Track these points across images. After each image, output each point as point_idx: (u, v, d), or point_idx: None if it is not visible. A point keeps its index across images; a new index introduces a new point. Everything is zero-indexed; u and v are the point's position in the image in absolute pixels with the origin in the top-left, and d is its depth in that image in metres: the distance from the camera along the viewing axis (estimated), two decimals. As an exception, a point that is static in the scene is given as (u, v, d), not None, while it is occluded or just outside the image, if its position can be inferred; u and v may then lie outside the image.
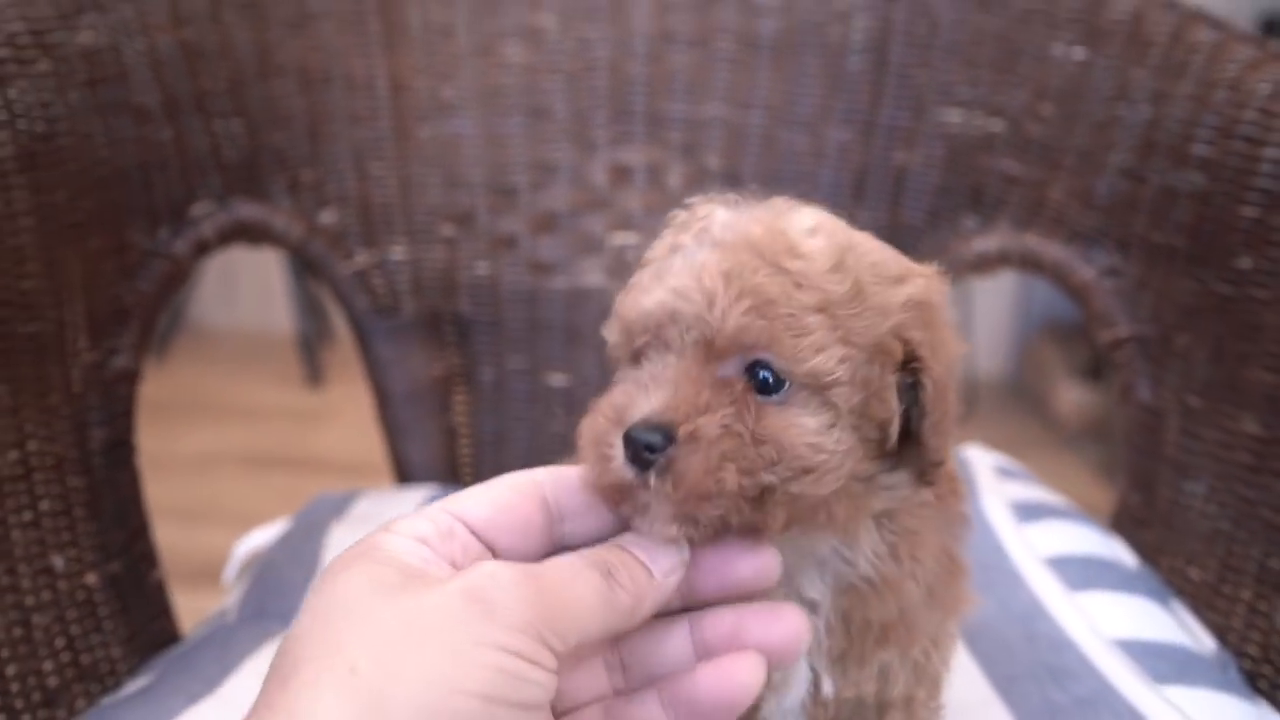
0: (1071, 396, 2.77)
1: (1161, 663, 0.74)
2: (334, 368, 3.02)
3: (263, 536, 1.02)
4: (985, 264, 1.02)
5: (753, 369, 0.46)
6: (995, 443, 1.11)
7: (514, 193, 1.09)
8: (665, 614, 0.48)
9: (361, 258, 1.06)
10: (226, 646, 0.80)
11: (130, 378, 0.87)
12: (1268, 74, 0.83)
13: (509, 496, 0.47)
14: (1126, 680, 0.72)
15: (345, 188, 1.05)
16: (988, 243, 1.02)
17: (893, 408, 0.48)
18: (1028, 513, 0.92)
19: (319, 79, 1.02)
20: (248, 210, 0.98)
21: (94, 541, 0.82)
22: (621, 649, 0.48)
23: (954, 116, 1.03)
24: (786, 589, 0.51)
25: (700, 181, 1.10)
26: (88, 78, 0.83)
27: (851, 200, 1.08)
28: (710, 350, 0.46)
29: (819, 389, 0.46)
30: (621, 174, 1.10)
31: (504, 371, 1.12)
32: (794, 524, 0.47)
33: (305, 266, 1.05)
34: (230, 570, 1.00)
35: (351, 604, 0.41)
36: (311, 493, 1.08)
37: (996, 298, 3.10)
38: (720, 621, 0.47)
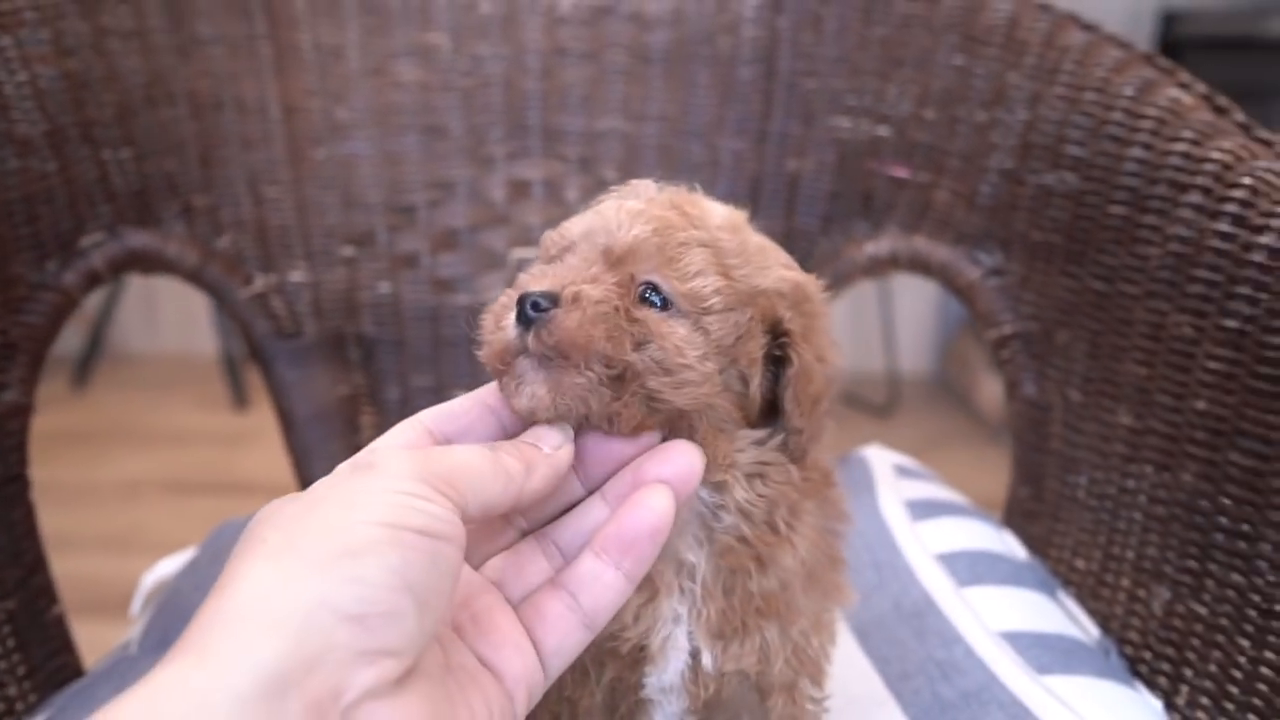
0: (994, 391, 2.82)
1: (1046, 653, 0.76)
2: (259, 389, 2.99)
3: (169, 566, 1.01)
4: (877, 267, 1.04)
5: (644, 290, 0.51)
6: (921, 438, 1.13)
7: (413, 211, 1.10)
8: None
9: (260, 282, 1.06)
10: (125, 680, 0.79)
11: (21, 412, 0.87)
12: (1133, 75, 0.85)
13: (395, 438, 0.51)
14: (1011, 672, 0.74)
15: (240, 212, 1.04)
16: (879, 246, 1.04)
17: (755, 361, 0.53)
18: (922, 510, 0.94)
19: (210, 104, 1.02)
20: (139, 239, 0.97)
21: (-14, 580, 0.81)
22: (553, 535, 0.53)
23: (843, 123, 1.05)
24: (663, 555, 0.53)
25: (598, 194, 1.10)
26: (-35, 111, 0.82)
27: (748, 209, 1.09)
28: (610, 257, 0.51)
29: (695, 315, 0.51)
30: (520, 189, 1.11)
31: (410, 390, 1.13)
32: (652, 428, 0.51)
33: (204, 292, 1.04)
34: (136, 601, 0.99)
35: (272, 508, 0.44)
36: (239, 516, 1.08)
37: (919, 295, 3.14)
38: (621, 479, 0.52)
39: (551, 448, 0.50)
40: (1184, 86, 0.83)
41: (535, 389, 0.49)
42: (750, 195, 1.09)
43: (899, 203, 1.03)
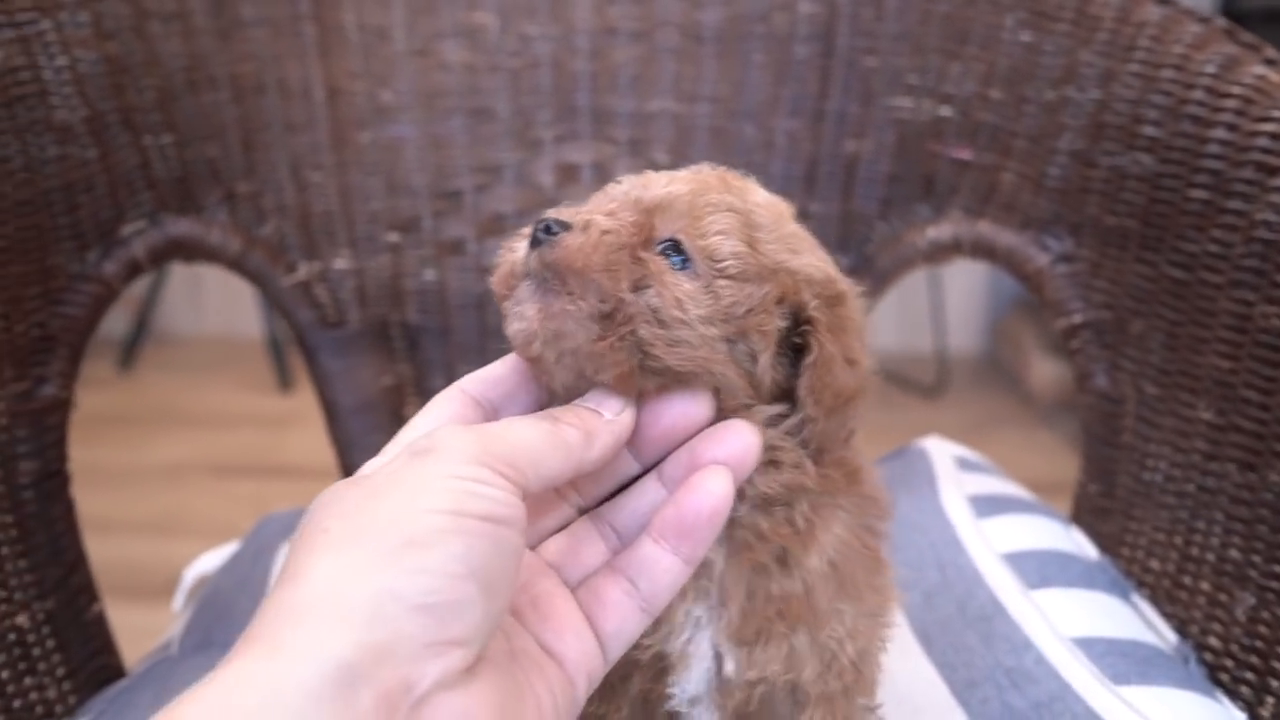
0: (1045, 371, 2.76)
1: (1121, 661, 0.73)
2: (304, 371, 2.99)
3: (211, 560, 1.00)
4: (939, 253, 1.00)
5: (665, 246, 0.50)
6: (970, 419, 1.10)
7: (459, 196, 1.07)
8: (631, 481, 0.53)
9: (303, 269, 1.04)
10: (166, 683, 0.78)
11: (60, 406, 0.85)
12: (1214, 51, 0.81)
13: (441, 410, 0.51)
14: (1085, 681, 0.70)
15: (283, 198, 1.02)
16: (941, 231, 1.00)
17: (767, 337, 0.50)
18: (987, 506, 0.91)
19: (252, 88, 1.00)
20: (181, 227, 0.95)
21: (25, 580, 0.79)
22: (609, 517, 0.52)
23: (904, 103, 1.01)
24: None
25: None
26: (4, 97, 0.80)
27: (803, 191, 1.06)
28: (639, 207, 0.50)
29: (710, 276, 0.49)
30: (568, 173, 1.08)
31: (456, 379, 1.10)
32: (641, 389, 0.50)
33: (247, 280, 1.02)
34: (178, 597, 0.97)
35: (332, 494, 0.44)
36: (283, 500, 1.06)
37: (968, 274, 3.08)
38: (677, 459, 0.50)
39: (613, 413, 0.49)
40: (1271, 63, 0.79)
41: (525, 309, 0.48)
42: (806, 177, 1.06)
43: (962, 186, 0.99)
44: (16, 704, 0.77)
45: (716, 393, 0.50)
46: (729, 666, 0.53)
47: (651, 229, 0.50)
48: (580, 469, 0.48)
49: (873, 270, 1.04)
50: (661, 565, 0.48)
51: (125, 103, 0.90)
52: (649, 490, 0.51)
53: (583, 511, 0.53)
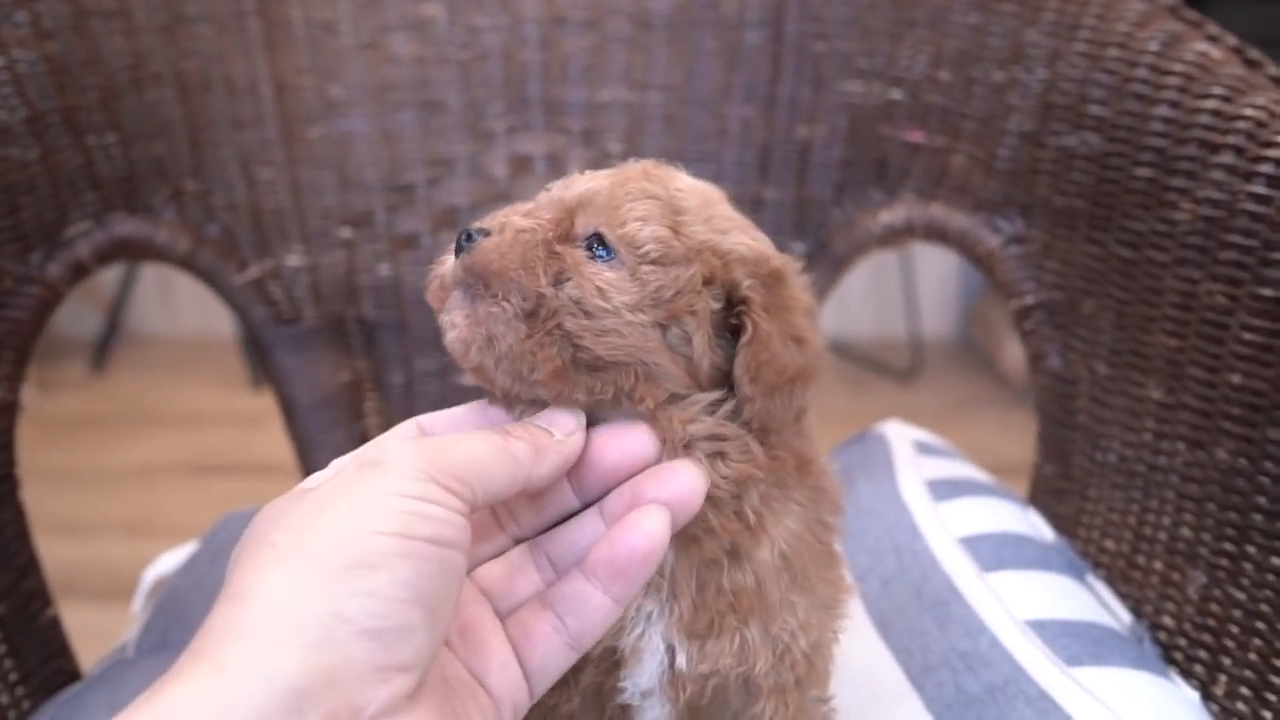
0: (1018, 353, 2.75)
1: (1075, 642, 0.73)
2: (277, 368, 2.98)
3: (171, 561, 0.99)
4: (892, 237, 1.00)
5: (590, 241, 0.50)
6: (945, 402, 1.09)
7: (411, 190, 1.06)
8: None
9: (255, 267, 1.03)
10: (120, 684, 0.77)
11: (6, 410, 0.84)
12: (1157, 29, 0.81)
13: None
14: (1039, 664, 0.70)
15: (233, 196, 1.01)
16: (894, 215, 1.00)
17: (698, 317, 0.50)
18: (945, 490, 0.91)
19: (198, 85, 0.99)
20: (128, 227, 0.94)
21: (-26, 585, 0.78)
22: (546, 547, 0.51)
23: (854, 87, 1.01)
24: None
25: (602, 167, 1.07)
26: (-62, 100, 0.79)
27: (758, 178, 1.06)
28: (561, 208, 0.50)
29: (634, 264, 0.49)
30: (521, 164, 1.07)
31: (414, 374, 1.10)
32: (578, 385, 0.49)
33: (198, 279, 1.01)
34: (137, 598, 0.97)
35: (278, 507, 0.43)
36: (258, 499, 1.05)
37: (941, 259, 3.09)
38: (620, 495, 0.50)
39: (564, 433, 0.49)
40: (1213, 40, 0.79)
41: (454, 317, 0.49)
42: (760, 164, 1.05)
43: (914, 169, 0.99)
44: (-36, 711, 0.76)
45: (639, 381, 0.50)
46: (680, 660, 0.52)
47: (572, 225, 0.50)
48: (527, 485, 0.47)
49: (829, 255, 1.04)
50: (592, 604, 0.48)
51: (67, 102, 0.89)
52: (588, 524, 0.51)
53: (519, 541, 0.52)
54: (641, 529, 0.47)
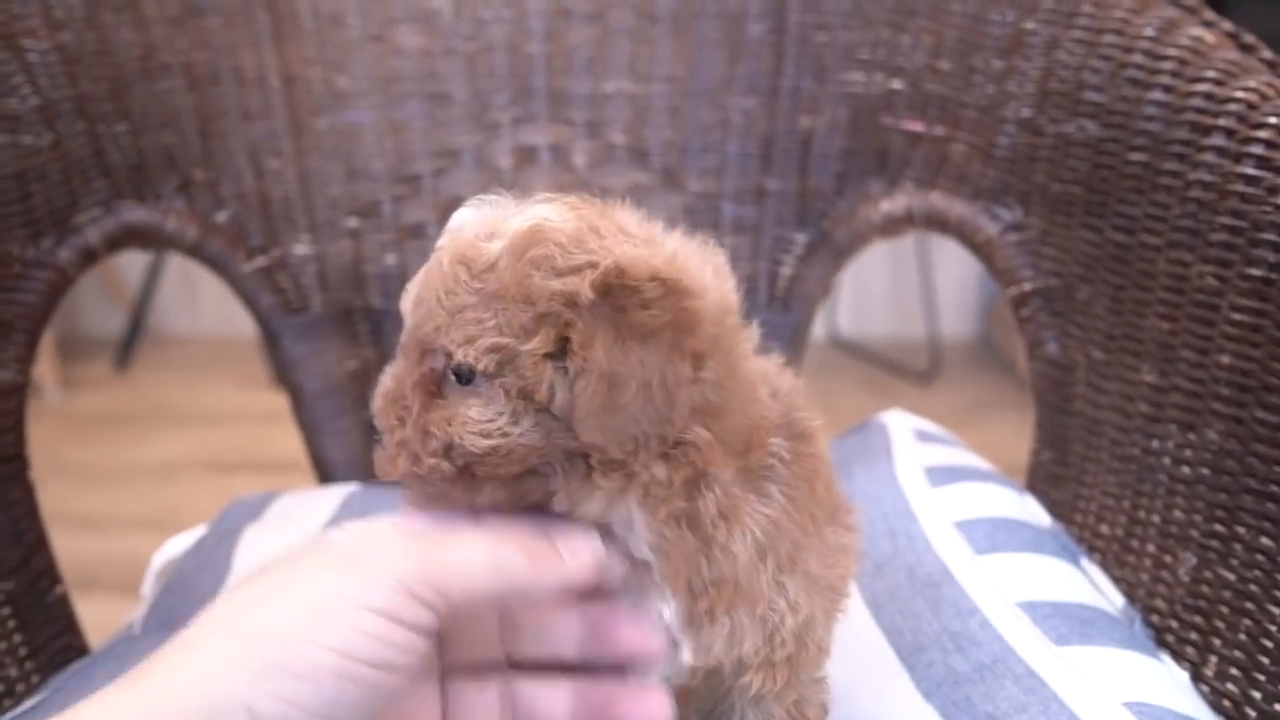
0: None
1: (1064, 623, 0.73)
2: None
3: (179, 545, 1.00)
4: (893, 226, 1.01)
5: (451, 369, 0.48)
6: (964, 404, 1.09)
7: (418, 180, 1.08)
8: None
9: (263, 256, 1.04)
10: (125, 660, 0.78)
11: (16, 391, 0.86)
12: (1153, 15, 0.81)
13: None
14: (1028, 643, 0.71)
15: (242, 185, 1.03)
16: (894, 204, 1.00)
17: (548, 392, 0.47)
18: (942, 476, 0.91)
19: (207, 76, 1.00)
20: (137, 214, 0.96)
21: (-17, 562, 0.80)
22: (516, 687, 0.52)
23: (855, 78, 1.02)
24: (619, 548, 0.51)
25: (606, 159, 1.08)
26: (-49, 87, 0.81)
27: (760, 169, 1.07)
28: (412, 351, 0.50)
29: (491, 377, 0.47)
30: (526, 155, 1.08)
31: (420, 363, 1.11)
32: (513, 498, 0.50)
33: (206, 267, 1.03)
34: (146, 581, 0.98)
35: (246, 580, 0.45)
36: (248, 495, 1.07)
37: (960, 259, 3.08)
38: (599, 690, 0.51)
39: (568, 553, 0.48)
40: (1208, 25, 0.79)
41: (413, 505, 0.52)
42: (762, 155, 1.06)
43: (914, 158, 0.99)
44: (-25, 682, 0.78)
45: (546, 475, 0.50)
46: (685, 653, 0.53)
47: (429, 370, 0.49)
48: (521, 593, 0.47)
49: (831, 245, 1.05)
50: None
51: (78, 91, 0.91)
52: (560, 692, 0.52)
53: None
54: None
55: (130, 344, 3.11)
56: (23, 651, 0.82)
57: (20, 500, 0.85)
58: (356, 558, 0.44)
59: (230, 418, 2.82)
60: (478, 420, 0.48)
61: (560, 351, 0.47)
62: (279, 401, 3.04)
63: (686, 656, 0.53)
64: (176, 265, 3.14)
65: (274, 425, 2.78)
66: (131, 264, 3.11)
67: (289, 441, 2.72)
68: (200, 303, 3.30)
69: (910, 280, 3.06)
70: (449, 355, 0.48)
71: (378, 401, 0.51)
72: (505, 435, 0.48)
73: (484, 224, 0.50)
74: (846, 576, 0.59)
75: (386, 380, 0.51)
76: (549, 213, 0.49)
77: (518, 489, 0.50)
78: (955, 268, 3.11)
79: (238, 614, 0.42)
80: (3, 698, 0.80)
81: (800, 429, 0.56)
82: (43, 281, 0.88)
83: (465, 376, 0.48)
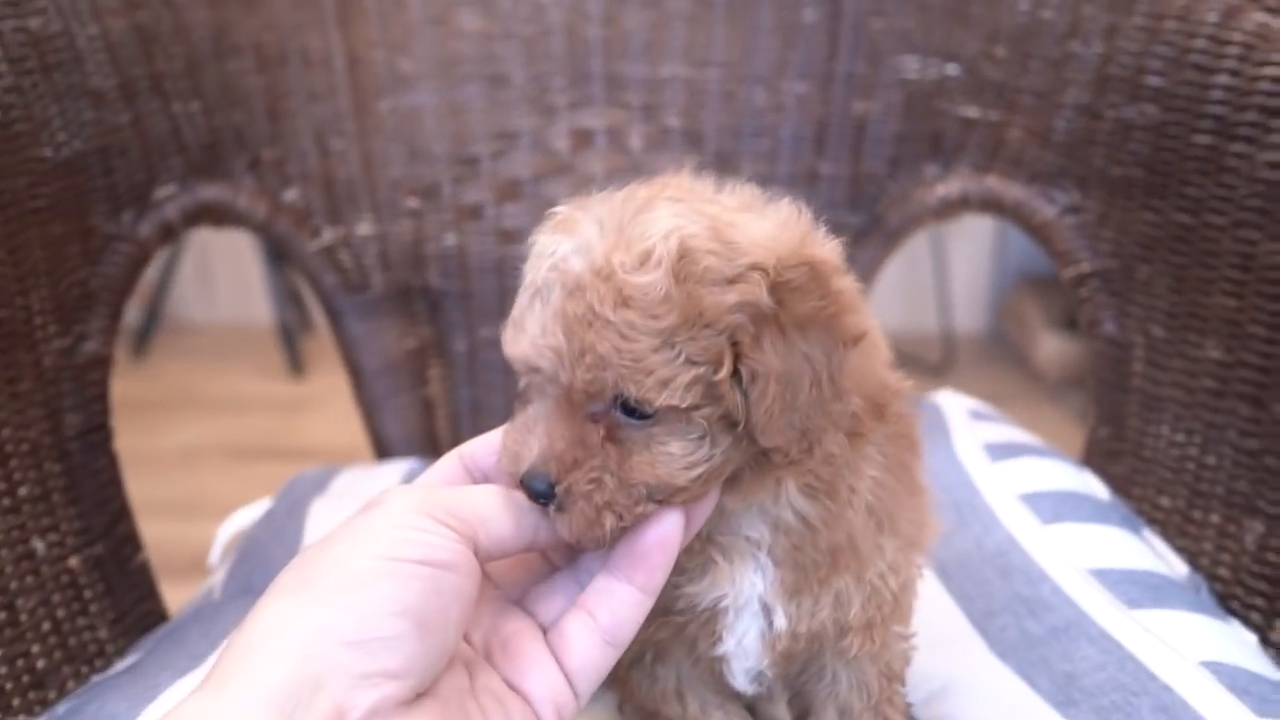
0: (1051, 347, 2.78)
1: (1135, 588, 0.75)
2: (315, 356, 3.01)
3: (246, 517, 1.02)
4: (948, 209, 1.03)
5: (617, 402, 0.48)
6: (977, 396, 1.11)
7: (477, 162, 1.09)
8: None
9: (327, 235, 1.06)
10: (213, 622, 0.81)
11: (102, 362, 0.88)
12: (1214, 2, 0.83)
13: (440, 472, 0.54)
14: (1100, 607, 0.73)
15: (307, 165, 1.05)
16: (949, 188, 1.02)
17: (741, 409, 0.48)
18: (1001, 452, 0.93)
19: (275, 57, 1.02)
20: (210, 191, 0.98)
21: (75, 526, 0.82)
22: (585, 563, 0.54)
23: (910, 63, 1.04)
24: (729, 531, 0.53)
25: (661, 142, 1.10)
26: (41, 63, 0.82)
27: (814, 153, 1.09)
28: (572, 398, 0.48)
29: (687, 410, 0.47)
30: (583, 138, 1.10)
31: (477, 341, 1.13)
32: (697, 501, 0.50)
33: (274, 247, 1.05)
34: (215, 552, 1.00)
35: (295, 560, 0.48)
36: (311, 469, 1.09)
37: (973, 251, 3.11)
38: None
39: None
40: (1271, 11, 0.81)
41: (564, 529, 0.50)
42: (816, 139, 1.08)
43: (970, 143, 1.01)
44: (71, 642, 0.80)
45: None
46: (779, 620, 0.55)
47: (580, 409, 0.49)
48: (539, 535, 0.50)
49: (883, 228, 1.07)
50: (618, 596, 0.51)
51: (155, 70, 0.93)
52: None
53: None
54: (656, 519, 0.49)
55: (148, 333, 3.11)
56: (110, 615, 0.84)
57: (105, 468, 0.87)
58: (377, 504, 0.48)
59: (249, 405, 2.84)
60: (682, 455, 0.48)
61: (735, 363, 0.47)
62: (297, 389, 3.05)
63: (780, 623, 0.55)
64: (193, 255, 3.15)
65: (293, 413, 2.81)
66: (148, 252, 3.12)
67: (308, 429, 2.74)
68: (216, 292, 3.32)
69: (923, 274, 3.08)
70: (620, 398, 0.47)
71: (550, 468, 0.48)
72: (709, 460, 0.48)
73: (601, 252, 0.47)
74: (931, 539, 0.60)
75: (543, 444, 0.48)
76: (677, 222, 0.47)
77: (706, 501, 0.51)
78: (968, 261, 3.13)
79: (284, 582, 0.46)
80: (94, 658, 0.82)
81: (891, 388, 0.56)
82: (124, 255, 0.90)
83: (641, 412, 0.47)
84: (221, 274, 3.28)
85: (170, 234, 0.94)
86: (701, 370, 0.46)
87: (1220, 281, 0.80)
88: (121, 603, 0.85)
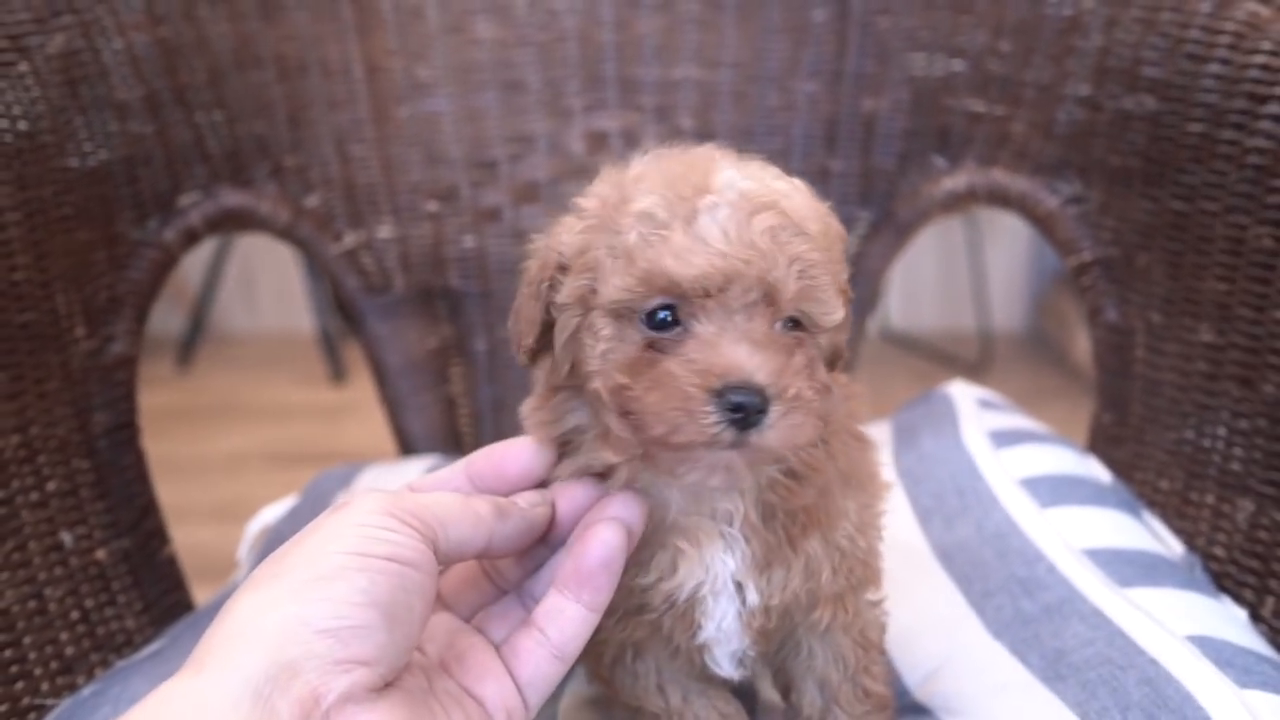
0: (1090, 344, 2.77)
1: (1128, 567, 0.76)
2: (357, 363, 3.07)
3: (273, 513, 1.05)
4: (955, 202, 1.04)
5: (787, 322, 0.51)
6: (1015, 395, 1.12)
7: (494, 166, 1.12)
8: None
9: (349, 238, 1.09)
10: (234, 611, 0.84)
11: (128, 363, 0.91)
12: (1208, -8, 0.84)
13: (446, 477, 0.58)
14: (1093, 585, 0.74)
15: (329, 171, 1.08)
16: (956, 181, 1.04)
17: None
18: (1005, 439, 0.95)
19: (296, 67, 1.06)
20: (234, 198, 1.01)
21: (103, 520, 0.86)
22: (530, 589, 0.58)
23: (917, 60, 1.05)
24: (693, 510, 0.55)
25: (675, 143, 1.12)
26: (67, 77, 0.86)
27: (824, 151, 1.10)
28: (768, 309, 0.50)
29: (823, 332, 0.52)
30: (598, 140, 1.13)
31: (497, 340, 1.16)
32: None
33: (297, 249, 1.08)
34: (243, 547, 1.03)
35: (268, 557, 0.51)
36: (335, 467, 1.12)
37: (1010, 250, 3.10)
38: (580, 525, 0.56)
39: (528, 504, 0.56)
40: (1263, 0, 0.82)
41: (709, 478, 0.51)
42: (827, 137, 1.10)
43: (976, 137, 1.03)
44: (100, 631, 0.83)
45: None
46: (751, 595, 0.56)
47: (773, 316, 0.50)
48: (493, 541, 0.54)
49: (894, 223, 1.09)
50: (566, 614, 0.54)
51: (178, 82, 0.96)
52: (559, 560, 0.57)
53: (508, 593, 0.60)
54: (599, 539, 0.53)
55: (192, 343, 3.18)
56: (138, 606, 0.88)
57: (132, 465, 0.91)
58: (345, 506, 0.51)
59: (291, 413, 2.89)
60: (815, 364, 0.52)
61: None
62: (338, 397, 3.09)
63: (753, 598, 0.56)
64: (236, 265, 3.21)
65: (335, 420, 2.86)
66: (192, 264, 3.19)
67: (350, 435, 2.78)
68: (259, 302, 3.38)
69: (960, 272, 3.08)
70: (793, 317, 0.51)
71: (783, 377, 0.48)
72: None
73: (760, 179, 0.51)
74: (885, 490, 0.62)
75: (763, 358, 0.48)
76: (776, 173, 0.53)
77: None
78: (1005, 259, 3.12)
79: (259, 575, 0.48)
80: (122, 646, 0.85)
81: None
82: (150, 260, 0.93)
83: (810, 326, 0.52)
84: (264, 284, 3.34)
85: (194, 239, 0.97)
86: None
87: (1213, 266, 0.81)
88: (149, 594, 0.89)
